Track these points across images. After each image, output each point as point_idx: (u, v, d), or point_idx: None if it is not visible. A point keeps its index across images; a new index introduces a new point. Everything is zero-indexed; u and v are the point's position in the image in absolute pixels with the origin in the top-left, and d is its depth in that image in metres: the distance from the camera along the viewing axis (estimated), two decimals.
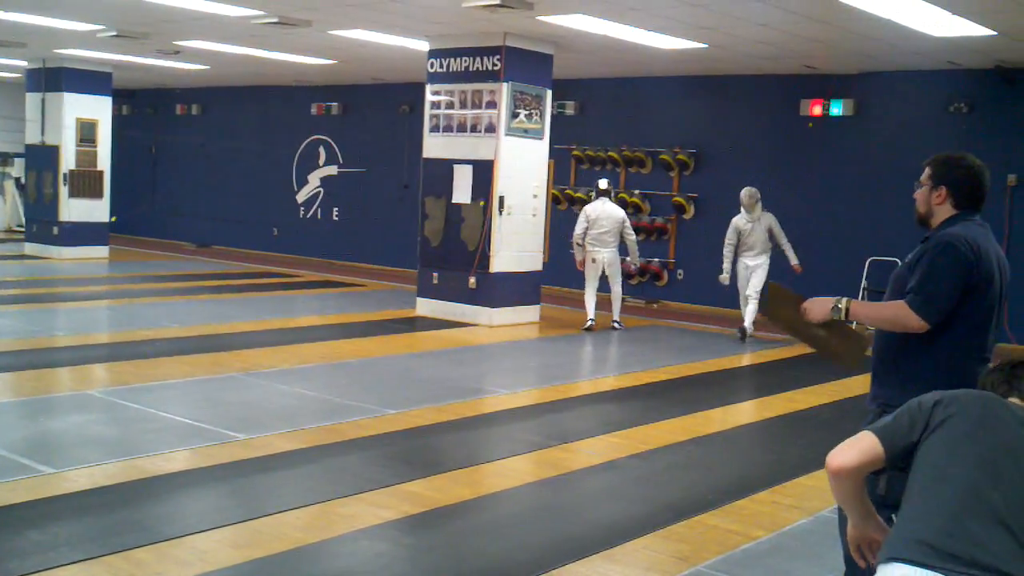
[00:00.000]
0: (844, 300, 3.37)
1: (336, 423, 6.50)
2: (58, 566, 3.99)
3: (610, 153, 13.91)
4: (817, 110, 12.18)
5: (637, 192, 13.73)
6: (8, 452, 5.49)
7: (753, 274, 10.79)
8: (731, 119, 13.16)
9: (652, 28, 9.82)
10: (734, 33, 9.90)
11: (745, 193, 10.76)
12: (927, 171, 3.42)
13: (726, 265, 10.86)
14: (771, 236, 10.77)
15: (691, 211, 13.33)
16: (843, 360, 3.49)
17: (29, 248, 16.37)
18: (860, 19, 8.68)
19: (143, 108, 20.58)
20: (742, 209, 10.77)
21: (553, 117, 11.75)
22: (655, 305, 13.51)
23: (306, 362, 8.55)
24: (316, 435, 6.21)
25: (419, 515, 4.84)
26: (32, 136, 16.55)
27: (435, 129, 11.51)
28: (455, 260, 11.26)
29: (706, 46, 10.61)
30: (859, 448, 2.38)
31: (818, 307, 3.41)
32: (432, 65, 11.47)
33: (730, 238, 10.85)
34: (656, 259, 13.68)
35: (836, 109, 12.06)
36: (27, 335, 9.20)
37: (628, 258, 11.51)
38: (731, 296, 11.70)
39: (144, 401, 6.83)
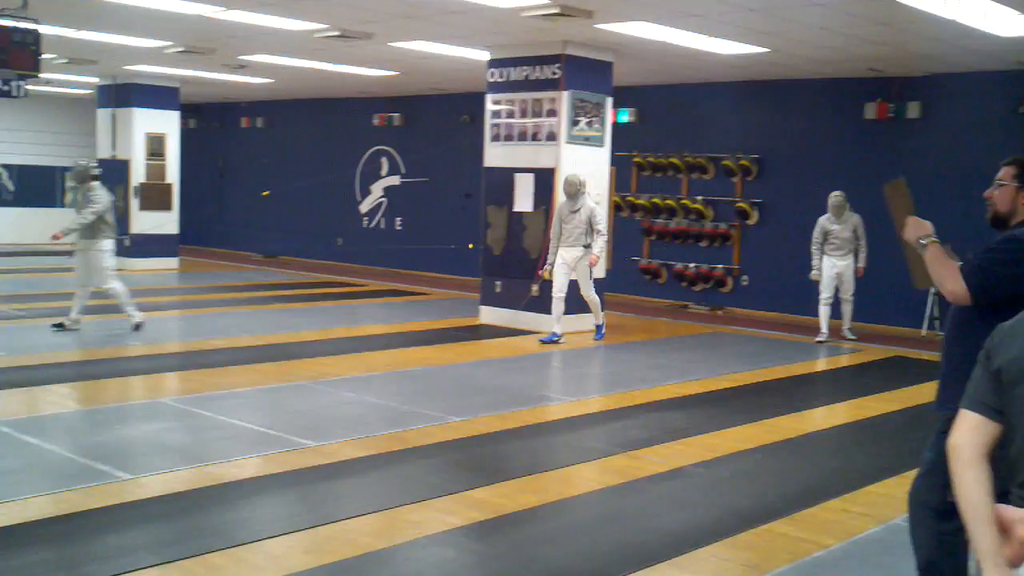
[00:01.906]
0: (932, 240, 3.44)
1: (402, 431, 6.57)
2: (136, 570, 4.09)
3: (671, 159, 13.85)
4: (882, 113, 12.02)
5: (700, 198, 13.65)
6: (86, 458, 5.64)
7: (842, 279, 10.94)
8: (794, 123, 13.03)
9: (713, 34, 9.78)
10: (795, 37, 9.81)
11: (831, 200, 10.90)
12: (1010, 171, 3.39)
13: (815, 262, 11.01)
14: (856, 236, 10.90)
15: (755, 217, 13.22)
16: (912, 273, 3.63)
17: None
18: (923, 20, 8.56)
19: (210, 122, 20.98)
20: (829, 211, 10.84)
21: (613, 124, 11.74)
22: (719, 312, 13.41)
23: (372, 370, 8.64)
24: (383, 442, 6.28)
25: (485, 522, 4.87)
26: (103, 150, 16.97)
27: (496, 138, 11.57)
28: (517, 268, 11.30)
29: (767, 51, 10.53)
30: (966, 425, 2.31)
31: (911, 229, 3.51)
32: (492, 75, 11.53)
33: (816, 237, 11.01)
34: (720, 265, 13.59)
35: (902, 112, 11.89)
36: (102, 345, 9.43)
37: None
38: (798, 302, 11.61)
39: (215, 409, 6.97)
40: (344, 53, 12.34)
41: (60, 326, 9.92)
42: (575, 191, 10.16)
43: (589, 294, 10.50)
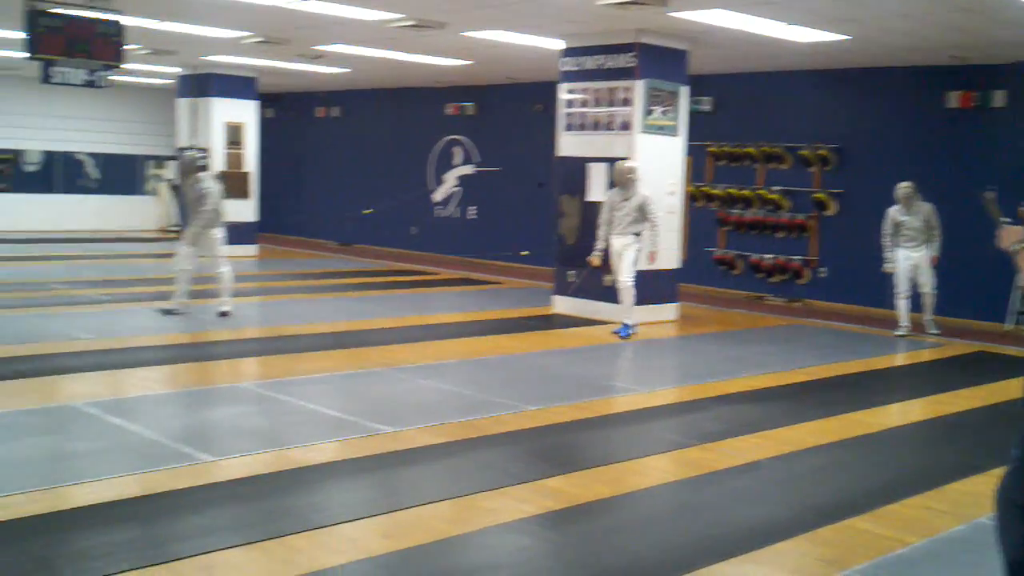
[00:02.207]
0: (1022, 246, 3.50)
1: (476, 419, 6.60)
2: (219, 550, 4.18)
3: (747, 149, 13.69)
4: (965, 102, 11.72)
5: (776, 188, 13.47)
6: (170, 440, 5.78)
7: (919, 271, 10.69)
8: (874, 113, 12.77)
9: (791, 21, 9.62)
10: (875, 24, 9.61)
11: (898, 191, 10.62)
12: None
13: (887, 255, 10.77)
14: (928, 225, 10.62)
15: (834, 208, 12.99)
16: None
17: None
18: (1008, 7, 8.32)
19: (287, 111, 21.27)
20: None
21: (689, 113, 11.62)
22: (796, 304, 13.23)
23: (445, 358, 8.70)
24: (457, 430, 6.32)
25: (560, 511, 4.88)
26: (183, 140, 17.31)
27: (569, 127, 11.54)
28: None
29: (847, 38, 10.33)
30: None
31: (1004, 238, 3.57)
32: (566, 64, 11.50)
33: (885, 228, 10.75)
34: (797, 256, 13.39)
35: (987, 101, 11.58)
36: (184, 330, 9.64)
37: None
38: (879, 295, 11.39)
39: (293, 394, 7.08)
40: (418, 43, 12.40)
41: (170, 311, 10.25)
42: (625, 179, 9.98)
43: (623, 279, 10.16)
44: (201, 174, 10.29)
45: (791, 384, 8.20)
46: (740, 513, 4.99)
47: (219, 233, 10.35)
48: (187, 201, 10.31)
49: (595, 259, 10.27)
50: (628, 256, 10.07)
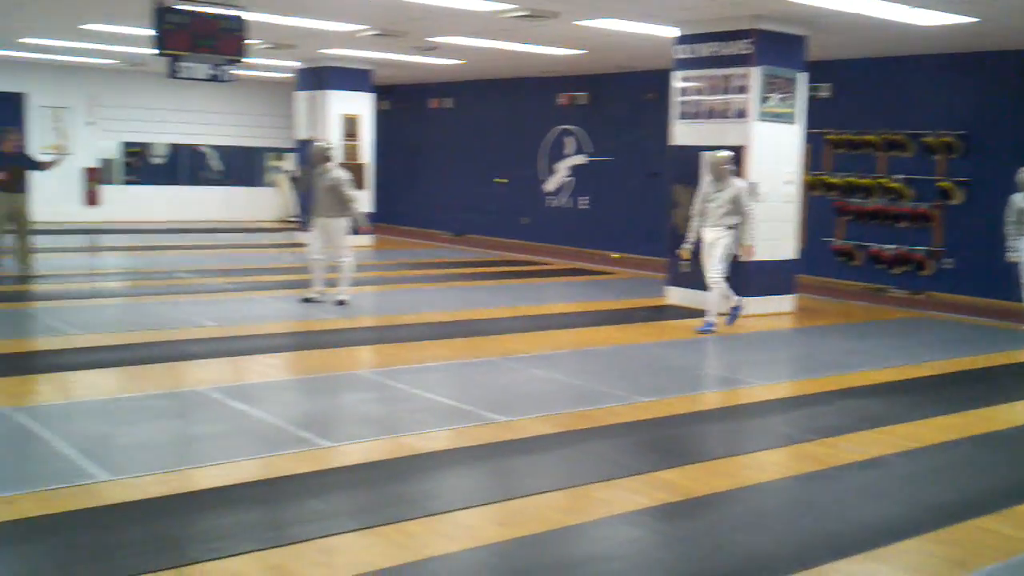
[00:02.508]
0: None
1: (589, 409, 6.59)
2: (337, 534, 4.28)
3: (867, 136, 13.30)
4: None
5: (899, 177, 13.06)
6: (290, 425, 5.93)
7: None
8: (1004, 98, 12.26)
9: (914, 3, 9.30)
10: (1006, 5, 9.21)
11: (1021, 174, 10.11)
12: None
13: (1010, 243, 10.33)
14: None
15: (959, 196, 12.54)
16: None
17: (303, 237, 17.50)
18: None
19: (401, 103, 21.56)
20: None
21: (807, 100, 11.34)
22: (920, 296, 12.81)
23: (558, 348, 8.70)
24: (570, 420, 6.32)
25: (674, 504, 4.83)
26: (302, 132, 17.72)
27: (683, 116, 11.40)
28: None
29: (975, 20, 9.93)
30: None
31: None
32: (680, 51, 11.35)
33: (1007, 215, 10.30)
34: (920, 247, 12.97)
35: None
36: (303, 318, 9.88)
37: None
38: (1009, 287, 10.95)
39: (408, 382, 7.19)
40: (531, 33, 12.41)
41: (309, 300, 10.57)
42: (719, 170, 9.57)
43: (711, 276, 9.74)
44: (329, 164, 10.55)
45: (914, 379, 7.95)
46: (860, 510, 4.86)
47: (344, 222, 10.58)
48: (315, 191, 10.55)
49: (685, 251, 9.99)
50: (717, 251, 9.69)
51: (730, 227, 9.63)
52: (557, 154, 18.23)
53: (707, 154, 9.88)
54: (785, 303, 11.19)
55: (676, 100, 11.48)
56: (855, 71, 13.57)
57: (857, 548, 4.30)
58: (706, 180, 9.90)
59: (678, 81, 11.42)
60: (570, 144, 17.98)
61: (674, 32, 11.39)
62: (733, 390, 7.47)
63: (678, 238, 11.45)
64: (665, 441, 6.00)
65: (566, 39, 12.95)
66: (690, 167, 11.24)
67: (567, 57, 14.84)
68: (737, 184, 9.69)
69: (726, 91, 10.90)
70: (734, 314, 9.97)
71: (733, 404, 7.05)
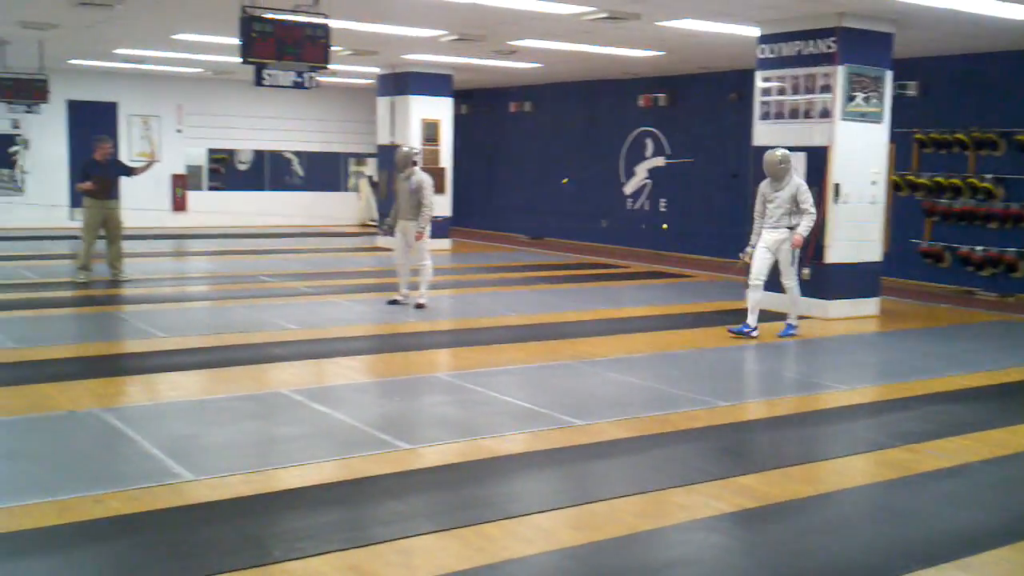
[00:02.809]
0: None
1: (667, 413, 6.54)
2: (415, 535, 4.31)
3: (956, 135, 12.96)
4: None
5: (989, 176, 12.70)
6: (370, 427, 6.01)
7: None
8: None
9: None
10: None
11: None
12: None
13: None
14: None
15: None
16: None
17: (383, 241, 17.71)
18: None
19: (480, 107, 21.67)
20: None
21: (893, 99, 11.10)
22: (1011, 299, 12.43)
23: (635, 351, 8.66)
24: (648, 424, 6.28)
25: (754, 509, 4.77)
26: (383, 137, 17.93)
27: (765, 116, 11.25)
28: None
29: None
30: None
31: None
32: (763, 51, 11.21)
33: None
34: (1012, 248, 12.58)
35: None
36: (381, 321, 9.99)
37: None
38: None
39: (485, 385, 7.22)
40: (611, 35, 12.37)
41: (394, 302, 10.72)
42: (776, 170, 9.26)
43: (788, 282, 9.48)
44: (414, 168, 10.67)
45: (1004, 384, 7.72)
46: (947, 518, 4.74)
47: (426, 227, 10.69)
48: (398, 195, 10.67)
49: (747, 256, 9.58)
50: (783, 255, 9.37)
51: (791, 227, 9.30)
52: (636, 156, 18.13)
53: (766, 153, 9.54)
54: (869, 306, 10.96)
55: (758, 100, 11.33)
56: (943, 68, 13.23)
57: (944, 557, 4.20)
58: (765, 180, 9.53)
59: (760, 81, 11.27)
60: (650, 146, 17.87)
61: (756, 32, 11.25)
62: (814, 395, 7.34)
63: None
64: (744, 446, 5.93)
65: (646, 40, 12.88)
66: None
67: (647, 58, 14.76)
68: (796, 180, 9.38)
69: (809, 90, 10.73)
70: (790, 329, 9.60)
71: (814, 409, 6.92)
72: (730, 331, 9.45)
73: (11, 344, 8.31)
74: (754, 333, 9.32)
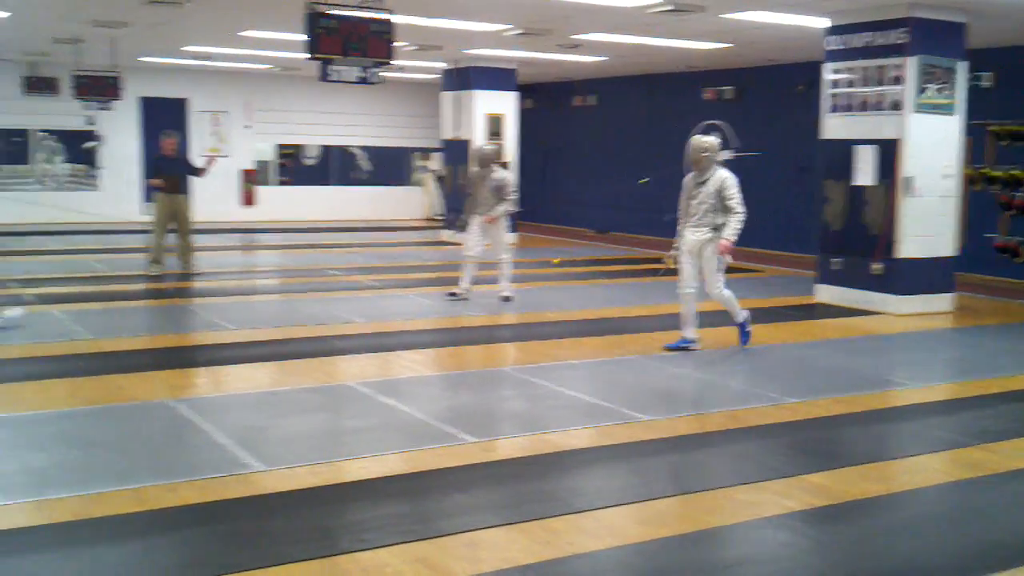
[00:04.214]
0: None
1: (735, 409, 6.47)
2: (482, 528, 4.32)
3: None
4: None
5: None
6: (436, 420, 6.03)
7: None
8: None
9: None
10: None
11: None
12: None
13: None
14: None
15: None
16: None
17: (447, 235, 17.80)
18: None
19: (544, 101, 21.63)
20: None
21: (967, 90, 10.84)
22: None
23: (702, 347, 8.56)
24: (715, 420, 6.22)
25: (825, 508, 4.69)
26: (447, 132, 17.99)
27: (834, 109, 11.06)
28: (857, 245, 10.77)
29: None
30: None
31: None
32: (831, 42, 11.02)
33: None
34: None
35: None
36: (448, 315, 10.03)
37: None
38: None
39: (550, 379, 7.21)
40: (676, 27, 12.26)
41: (453, 295, 10.77)
42: (698, 158, 8.31)
43: (714, 291, 8.38)
44: (496, 164, 10.74)
45: None
46: None
47: (505, 222, 10.76)
48: (478, 190, 10.68)
49: (669, 260, 8.72)
50: (707, 261, 8.34)
51: (716, 227, 8.27)
52: None
53: (692, 139, 8.44)
54: (943, 302, 10.72)
55: (826, 93, 11.15)
56: (1020, 58, 12.89)
57: (1021, 560, 4.09)
58: (689, 174, 8.51)
59: (829, 73, 11.08)
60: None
61: (824, 23, 11.06)
62: (887, 391, 7.21)
63: (829, 235, 11.15)
64: (815, 443, 5.84)
65: (712, 33, 12.75)
66: (842, 161, 10.90)
67: (712, 51, 14.61)
68: (720, 175, 8.35)
69: (880, 82, 10.53)
70: (744, 331, 8.60)
71: (887, 406, 6.80)
72: (666, 348, 8.38)
73: (87, 335, 8.50)
74: (695, 346, 8.36)
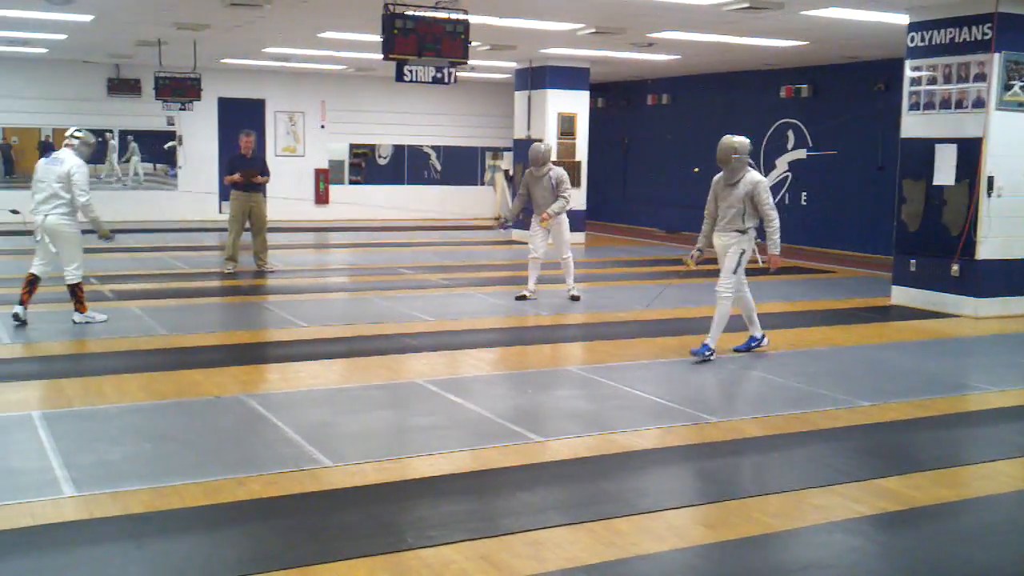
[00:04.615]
0: None
1: (806, 412, 6.37)
2: (546, 528, 4.31)
3: None
4: None
5: None
6: (502, 419, 6.05)
7: None
8: None
9: None
10: None
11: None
12: None
13: None
14: None
15: None
16: None
17: (516, 234, 17.80)
18: None
19: (617, 100, 21.54)
20: None
21: None
22: None
23: (773, 348, 8.45)
24: (785, 422, 6.13)
25: (896, 513, 4.60)
26: (519, 131, 18.01)
27: (915, 107, 10.82)
28: (935, 246, 10.52)
29: None
30: None
31: None
32: (912, 39, 10.78)
33: None
34: None
35: None
36: (514, 314, 10.04)
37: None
38: None
39: (616, 379, 7.17)
40: (752, 25, 12.11)
41: (523, 297, 10.75)
42: (728, 159, 7.85)
43: (724, 293, 8.04)
44: (553, 163, 10.75)
45: None
46: None
47: (566, 221, 10.74)
48: (535, 190, 10.66)
49: (690, 260, 8.47)
50: (727, 261, 8.05)
51: (742, 231, 7.95)
52: (777, 149, 17.71)
53: (722, 139, 7.99)
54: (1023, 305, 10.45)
55: (907, 90, 10.91)
56: None
57: None
58: (719, 174, 8.12)
59: (909, 70, 10.84)
60: (791, 138, 17.43)
61: (905, 19, 10.83)
62: (963, 396, 7.03)
63: (907, 235, 10.91)
64: (887, 447, 5.72)
65: (788, 30, 12.57)
66: (921, 160, 10.66)
67: (788, 49, 14.40)
68: (753, 178, 7.90)
69: (962, 79, 10.27)
70: (749, 345, 8.27)
71: (962, 411, 6.63)
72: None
73: (163, 331, 8.70)
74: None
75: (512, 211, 11.22)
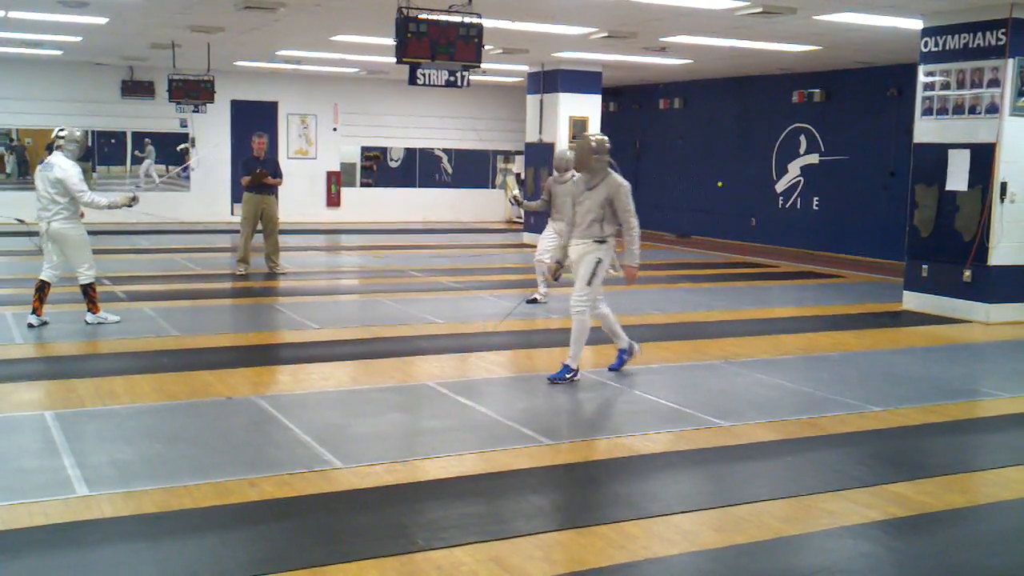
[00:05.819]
0: None
1: (816, 417, 6.37)
2: (556, 530, 4.35)
3: None
4: None
5: None
6: (513, 422, 6.06)
7: None
8: None
9: None
10: None
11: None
12: None
13: None
14: None
15: None
16: None
17: (527, 238, 17.83)
18: None
19: (629, 104, 21.54)
20: None
21: None
22: None
23: (784, 353, 8.45)
24: (796, 427, 6.13)
25: (907, 519, 4.59)
26: (531, 135, 18.03)
27: (928, 112, 10.79)
28: (948, 251, 10.50)
29: None
30: None
31: None
32: (926, 44, 10.76)
33: None
34: None
35: None
36: (524, 317, 10.04)
37: None
38: None
39: (628, 383, 7.18)
40: (765, 30, 12.11)
41: (534, 300, 10.72)
42: (588, 160, 7.22)
43: (578, 306, 7.31)
44: (574, 170, 10.65)
45: None
46: None
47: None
48: (555, 196, 10.54)
49: (554, 268, 7.79)
50: (581, 270, 7.26)
51: (601, 240, 7.21)
52: (789, 153, 17.68)
53: (578, 140, 7.44)
54: None
55: (920, 96, 10.89)
56: None
57: None
58: (578, 176, 7.52)
59: (923, 76, 10.82)
60: (803, 143, 17.40)
61: (918, 24, 10.82)
62: (974, 401, 7.01)
63: (919, 241, 10.89)
64: (897, 453, 5.71)
65: (801, 35, 12.55)
66: (934, 166, 10.64)
67: (800, 54, 14.38)
68: (615, 181, 7.23)
69: (976, 85, 10.25)
70: (621, 358, 7.63)
71: (974, 416, 6.62)
72: (549, 378, 7.23)
73: (174, 332, 8.73)
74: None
75: (530, 206, 11.05)
